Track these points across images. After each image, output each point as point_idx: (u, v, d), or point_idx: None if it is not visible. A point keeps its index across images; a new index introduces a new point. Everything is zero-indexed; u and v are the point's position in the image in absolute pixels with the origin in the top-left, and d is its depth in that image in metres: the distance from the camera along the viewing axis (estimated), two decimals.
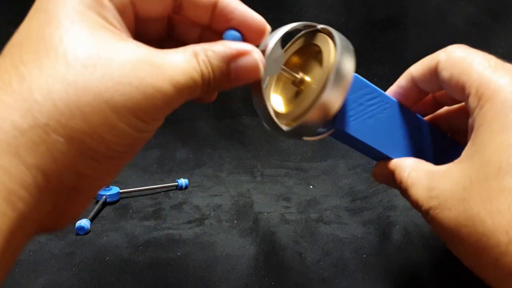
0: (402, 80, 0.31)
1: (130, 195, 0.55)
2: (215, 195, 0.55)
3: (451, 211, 0.24)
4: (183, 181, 0.58)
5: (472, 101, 0.25)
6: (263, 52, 0.25)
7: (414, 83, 0.30)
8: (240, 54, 0.24)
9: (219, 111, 0.65)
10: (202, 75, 0.23)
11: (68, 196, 0.21)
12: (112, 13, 0.22)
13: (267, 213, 0.48)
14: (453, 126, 0.33)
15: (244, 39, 0.25)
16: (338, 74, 0.25)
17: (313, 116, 0.26)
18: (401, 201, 0.48)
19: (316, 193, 0.56)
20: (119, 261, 0.39)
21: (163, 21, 0.27)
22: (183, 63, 0.22)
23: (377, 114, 0.30)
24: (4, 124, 0.18)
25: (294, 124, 0.27)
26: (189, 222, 0.48)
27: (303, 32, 0.29)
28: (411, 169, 0.28)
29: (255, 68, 0.24)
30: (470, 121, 0.25)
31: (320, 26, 0.28)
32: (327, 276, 0.38)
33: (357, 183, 0.58)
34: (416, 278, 0.37)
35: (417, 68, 0.29)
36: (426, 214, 0.26)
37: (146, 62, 0.21)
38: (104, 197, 0.51)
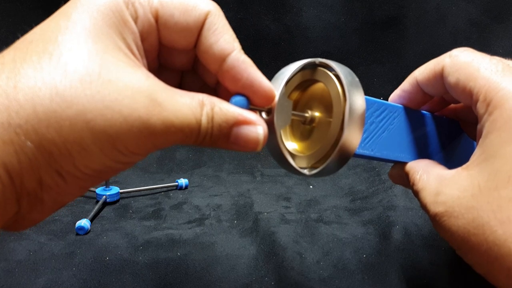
0: (407, 84, 0.30)
1: (130, 195, 0.55)
2: (215, 195, 0.55)
3: (458, 219, 0.24)
4: (183, 181, 0.58)
5: (480, 107, 0.25)
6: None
7: (419, 87, 0.30)
8: (245, 122, 0.23)
9: None
10: (201, 126, 0.22)
11: (30, 202, 0.20)
12: (133, 36, 0.22)
13: (267, 213, 0.48)
14: (460, 119, 0.33)
15: (250, 102, 0.24)
16: (353, 113, 0.24)
17: (335, 158, 0.25)
18: (401, 201, 0.48)
19: (316, 193, 0.56)
20: (119, 261, 0.39)
21: (188, 54, 0.26)
22: (185, 107, 0.21)
23: (388, 127, 0.30)
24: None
25: (317, 169, 0.26)
26: (189, 222, 0.48)
27: (300, 68, 0.28)
28: (423, 171, 0.28)
29: (255, 141, 0.24)
30: (478, 127, 0.25)
31: (318, 61, 0.27)
32: (327, 276, 0.38)
33: (357, 183, 0.58)
34: (416, 278, 0.37)
35: (422, 72, 0.29)
36: (433, 219, 0.26)
37: (147, 95, 0.20)
38: (104, 197, 0.51)
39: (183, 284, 0.37)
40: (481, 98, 0.24)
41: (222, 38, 0.23)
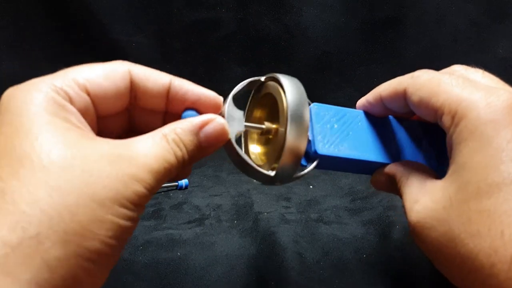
0: (371, 97, 0.31)
1: None
2: (215, 195, 0.55)
3: (431, 231, 0.24)
4: (183, 181, 0.58)
5: (446, 120, 0.25)
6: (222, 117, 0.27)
7: (382, 102, 0.30)
8: (205, 123, 0.25)
9: None
10: (175, 154, 0.24)
11: None
12: (75, 116, 0.23)
13: (267, 213, 0.48)
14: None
15: (201, 114, 0.26)
16: (294, 119, 0.26)
17: (285, 161, 0.27)
18: (401, 201, 0.48)
19: (316, 193, 0.56)
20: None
21: (123, 115, 0.27)
22: (154, 147, 0.23)
23: (354, 127, 0.31)
24: None
25: (275, 170, 0.28)
26: (189, 222, 0.48)
27: (257, 85, 0.31)
28: (408, 174, 0.28)
29: (222, 131, 0.26)
30: (447, 139, 0.25)
31: (263, 78, 0.30)
32: (327, 276, 0.38)
33: (357, 183, 0.58)
34: (416, 278, 0.37)
35: (385, 90, 0.29)
36: (409, 228, 0.26)
37: (118, 155, 0.22)
38: None
39: (183, 284, 0.37)
40: (445, 111, 0.25)
41: (156, 76, 0.26)
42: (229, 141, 0.27)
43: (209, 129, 0.25)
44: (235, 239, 0.43)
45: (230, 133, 0.27)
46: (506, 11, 0.66)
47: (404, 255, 0.39)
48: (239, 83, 0.31)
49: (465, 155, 0.23)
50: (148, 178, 0.22)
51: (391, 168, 0.30)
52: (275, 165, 0.28)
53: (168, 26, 0.61)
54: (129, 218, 0.22)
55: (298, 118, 0.27)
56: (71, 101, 0.23)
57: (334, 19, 0.63)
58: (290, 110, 0.27)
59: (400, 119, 0.32)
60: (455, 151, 0.24)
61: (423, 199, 0.25)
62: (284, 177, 0.28)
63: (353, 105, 0.33)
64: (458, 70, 0.28)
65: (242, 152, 0.28)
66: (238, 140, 0.29)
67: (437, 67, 0.29)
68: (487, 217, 0.21)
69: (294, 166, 0.27)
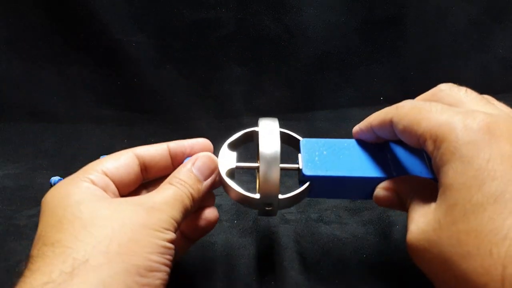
0: (363, 125, 0.33)
1: None
2: (215, 195, 0.55)
3: (425, 253, 0.24)
4: None
5: (428, 145, 0.26)
6: None
7: (373, 131, 0.32)
8: (195, 160, 0.32)
9: (219, 111, 0.65)
10: (183, 191, 0.30)
11: None
12: (99, 191, 0.29)
13: None
14: None
15: None
16: (264, 157, 0.31)
17: (262, 188, 0.31)
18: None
19: None
20: None
21: (138, 189, 0.34)
22: (165, 192, 0.29)
23: (345, 153, 0.33)
24: (54, 274, 0.23)
25: (259, 195, 0.32)
26: None
27: (240, 134, 0.36)
28: (416, 191, 0.29)
29: (209, 160, 0.33)
30: (432, 163, 0.26)
31: (257, 124, 0.34)
32: (327, 276, 0.38)
33: None
34: (416, 278, 0.37)
35: (374, 119, 0.31)
36: (407, 247, 0.26)
37: (138, 200, 0.28)
38: None
39: (183, 284, 0.37)
40: (427, 137, 0.26)
41: (155, 146, 0.33)
42: (221, 176, 0.33)
43: (198, 163, 0.32)
44: (235, 239, 0.43)
45: (221, 167, 0.33)
46: (506, 11, 0.66)
47: (404, 255, 0.39)
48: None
49: (450, 177, 0.24)
50: (166, 208, 0.28)
51: (398, 184, 0.30)
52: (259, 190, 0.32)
53: (168, 26, 0.61)
54: (161, 238, 0.27)
55: (266, 155, 0.31)
56: (93, 183, 0.29)
57: (334, 19, 0.63)
58: (260, 149, 0.31)
59: (399, 141, 0.32)
60: (441, 173, 0.25)
61: (418, 219, 0.26)
62: (271, 200, 0.32)
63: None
64: (444, 89, 0.29)
65: (232, 182, 0.33)
66: (235, 177, 0.34)
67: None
68: (474, 238, 0.22)
69: (272, 190, 0.32)
